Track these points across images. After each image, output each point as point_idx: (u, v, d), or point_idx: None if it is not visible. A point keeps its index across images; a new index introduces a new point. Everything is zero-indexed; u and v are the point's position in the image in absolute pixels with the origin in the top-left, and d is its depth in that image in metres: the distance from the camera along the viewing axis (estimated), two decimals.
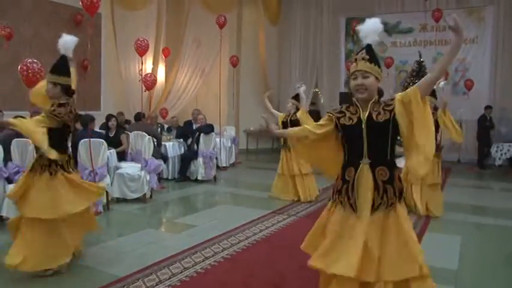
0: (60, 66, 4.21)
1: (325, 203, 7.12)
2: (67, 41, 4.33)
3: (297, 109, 7.28)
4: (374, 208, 2.76)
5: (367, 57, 2.79)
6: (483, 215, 6.98)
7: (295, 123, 7.25)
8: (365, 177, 2.79)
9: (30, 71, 5.80)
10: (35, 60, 5.91)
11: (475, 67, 12.68)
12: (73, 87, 4.26)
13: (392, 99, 2.77)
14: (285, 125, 7.42)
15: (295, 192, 7.40)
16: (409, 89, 2.72)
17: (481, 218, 6.68)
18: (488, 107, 11.54)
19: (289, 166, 7.42)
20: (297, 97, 7.35)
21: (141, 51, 8.99)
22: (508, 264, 4.66)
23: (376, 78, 2.80)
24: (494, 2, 12.43)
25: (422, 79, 2.74)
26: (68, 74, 4.21)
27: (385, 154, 2.80)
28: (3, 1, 8.94)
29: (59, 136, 4.06)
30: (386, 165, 2.79)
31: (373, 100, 2.82)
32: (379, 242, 2.72)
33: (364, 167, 2.80)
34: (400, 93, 2.76)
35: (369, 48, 2.83)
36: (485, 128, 11.49)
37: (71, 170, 4.14)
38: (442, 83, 6.86)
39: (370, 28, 2.88)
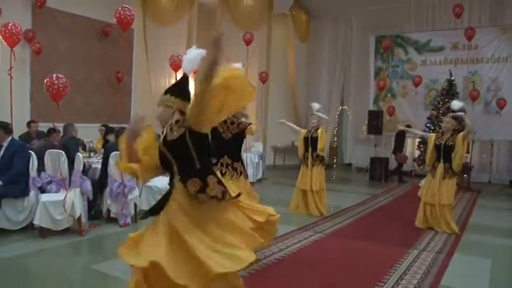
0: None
1: (350, 222, 7.11)
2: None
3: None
4: None
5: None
6: None
7: (316, 140, 7.44)
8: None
9: (55, 86, 5.96)
10: (60, 76, 6.08)
11: (507, 86, 12.43)
12: None
13: None
14: (306, 141, 7.58)
15: (305, 206, 7.58)
16: None
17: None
18: None
19: (302, 181, 7.60)
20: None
21: (176, 66, 9.20)
22: None
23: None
24: None
25: None
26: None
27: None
28: (44, 17, 9.26)
29: None
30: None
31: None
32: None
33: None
34: None
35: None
36: None
37: None
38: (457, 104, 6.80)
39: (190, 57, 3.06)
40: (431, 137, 6.85)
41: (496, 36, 12.60)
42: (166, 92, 3.15)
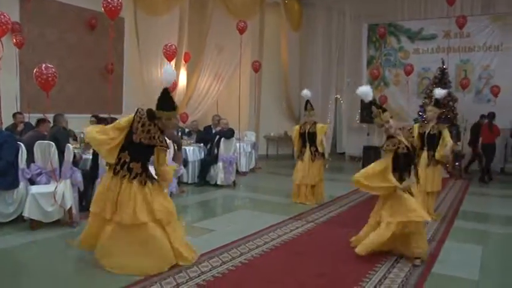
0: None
1: (343, 210, 7.12)
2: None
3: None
4: None
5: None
6: (506, 225, 6.79)
7: (314, 135, 7.43)
8: None
9: (44, 76, 5.88)
10: (50, 65, 5.99)
11: (499, 74, 12.44)
12: None
13: None
14: (303, 136, 7.55)
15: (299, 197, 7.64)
16: None
17: (503, 228, 6.52)
18: None
19: (299, 175, 7.60)
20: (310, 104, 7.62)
21: (169, 56, 9.12)
22: None
23: None
24: None
25: None
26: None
27: None
28: (32, 6, 9.12)
29: None
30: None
31: None
32: None
33: None
34: None
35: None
36: None
37: None
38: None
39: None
40: (415, 126, 6.90)
41: (488, 24, 12.60)
42: (174, 109, 4.40)
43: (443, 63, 11.86)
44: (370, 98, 4.88)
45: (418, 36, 13.62)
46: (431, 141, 6.52)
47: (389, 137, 4.81)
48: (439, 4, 12.70)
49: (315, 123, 7.59)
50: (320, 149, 7.55)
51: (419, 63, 13.16)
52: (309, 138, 7.56)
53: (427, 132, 6.55)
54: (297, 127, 7.82)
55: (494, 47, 12.58)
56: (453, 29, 12.22)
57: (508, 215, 7.36)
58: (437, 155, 6.43)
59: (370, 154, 12.63)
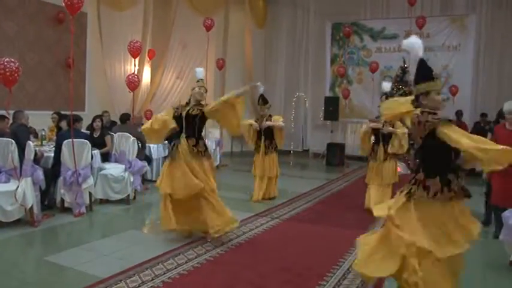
0: None
1: (307, 206, 7.22)
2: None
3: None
4: None
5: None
6: None
7: (268, 128, 7.53)
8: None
9: (7, 69, 5.68)
10: (13, 60, 5.79)
11: (457, 73, 12.88)
12: None
13: None
14: (259, 131, 7.62)
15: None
16: None
17: None
18: (483, 115, 11.55)
19: (258, 168, 7.70)
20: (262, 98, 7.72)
21: (135, 52, 9.02)
22: (491, 270, 4.74)
23: None
24: (476, 11, 12.65)
25: None
26: None
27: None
28: None
29: None
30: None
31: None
32: None
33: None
34: None
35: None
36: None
37: None
38: None
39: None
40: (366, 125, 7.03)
41: (447, 25, 13.02)
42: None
43: (404, 62, 12.15)
44: (421, 53, 3.56)
45: (380, 35, 13.93)
46: (385, 136, 6.76)
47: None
48: (400, 4, 13.02)
49: (270, 116, 7.67)
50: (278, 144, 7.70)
51: (381, 62, 13.41)
52: (264, 132, 7.63)
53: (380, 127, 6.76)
54: (250, 121, 7.79)
55: (453, 47, 13.01)
56: (414, 29, 12.52)
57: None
58: (392, 149, 6.69)
59: (334, 151, 12.86)
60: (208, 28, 10.81)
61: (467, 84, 12.63)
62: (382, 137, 6.80)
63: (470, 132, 3.19)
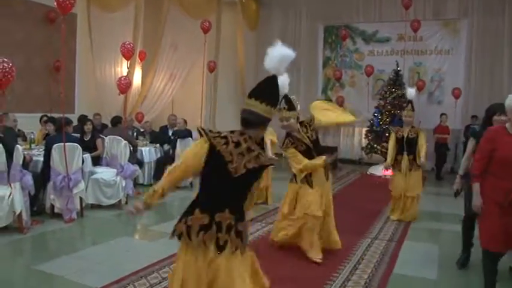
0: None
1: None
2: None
3: None
4: None
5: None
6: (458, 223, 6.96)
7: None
8: None
9: (1, 71, 5.45)
10: (5, 59, 5.57)
11: (450, 77, 12.91)
12: None
13: None
14: None
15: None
16: None
17: (457, 227, 6.68)
18: (474, 117, 11.41)
19: None
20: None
21: (127, 54, 8.89)
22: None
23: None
24: (468, 16, 12.67)
25: None
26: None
27: None
28: None
29: None
30: None
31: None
32: None
33: None
34: None
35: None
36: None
37: None
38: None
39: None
40: (392, 135, 6.77)
41: (439, 29, 13.05)
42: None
43: (397, 65, 12.12)
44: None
45: (373, 38, 13.89)
46: (410, 145, 6.53)
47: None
48: (392, 8, 13.01)
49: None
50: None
51: (374, 65, 13.36)
52: None
53: (405, 136, 6.55)
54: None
55: (445, 51, 13.04)
56: (407, 32, 12.52)
57: (459, 214, 7.56)
58: (419, 161, 6.49)
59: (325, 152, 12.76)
60: (205, 30, 10.76)
61: (460, 88, 12.63)
62: (407, 146, 6.56)
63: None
